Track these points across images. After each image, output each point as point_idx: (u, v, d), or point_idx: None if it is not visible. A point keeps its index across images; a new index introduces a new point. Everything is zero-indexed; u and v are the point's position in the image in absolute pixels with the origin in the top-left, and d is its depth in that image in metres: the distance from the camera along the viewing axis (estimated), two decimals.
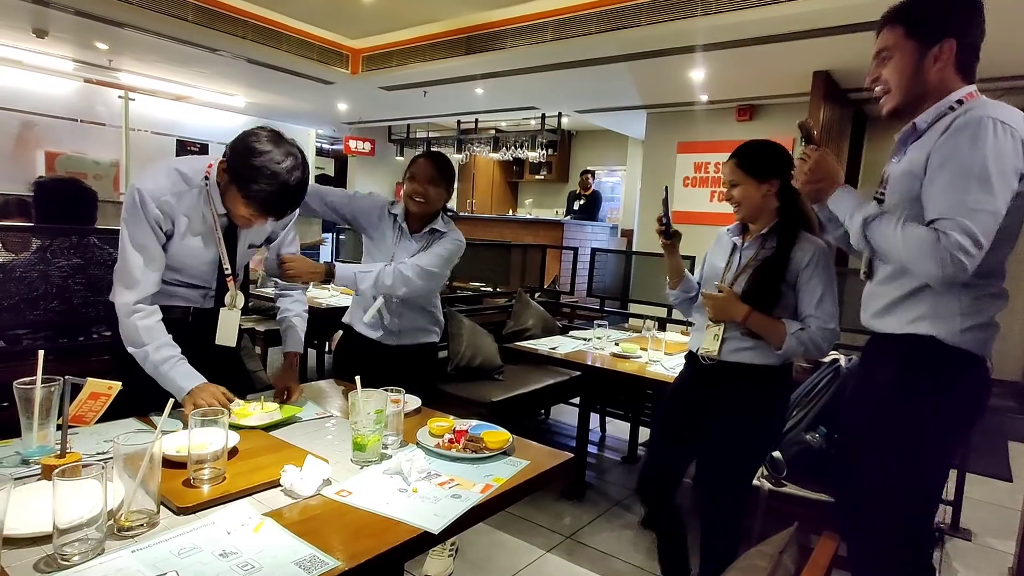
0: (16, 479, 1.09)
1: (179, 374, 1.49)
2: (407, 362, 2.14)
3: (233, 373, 1.73)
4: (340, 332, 2.28)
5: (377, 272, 1.93)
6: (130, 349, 1.50)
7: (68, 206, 2.11)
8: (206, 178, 1.57)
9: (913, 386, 1.39)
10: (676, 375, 2.44)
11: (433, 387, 2.45)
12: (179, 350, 1.53)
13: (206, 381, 1.51)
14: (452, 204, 8.95)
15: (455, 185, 2.24)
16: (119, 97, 7.17)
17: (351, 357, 2.17)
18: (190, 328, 1.64)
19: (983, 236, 1.23)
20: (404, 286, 1.96)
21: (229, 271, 1.66)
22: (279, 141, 1.49)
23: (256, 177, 1.44)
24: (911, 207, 1.36)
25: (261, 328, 4.17)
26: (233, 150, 1.49)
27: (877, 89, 1.46)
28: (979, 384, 1.40)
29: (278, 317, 1.88)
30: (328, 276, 1.88)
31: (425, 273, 1.99)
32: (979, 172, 1.24)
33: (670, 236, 1.95)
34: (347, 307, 2.20)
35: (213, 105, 7.83)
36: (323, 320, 3.98)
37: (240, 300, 1.69)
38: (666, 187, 2.14)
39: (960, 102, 1.34)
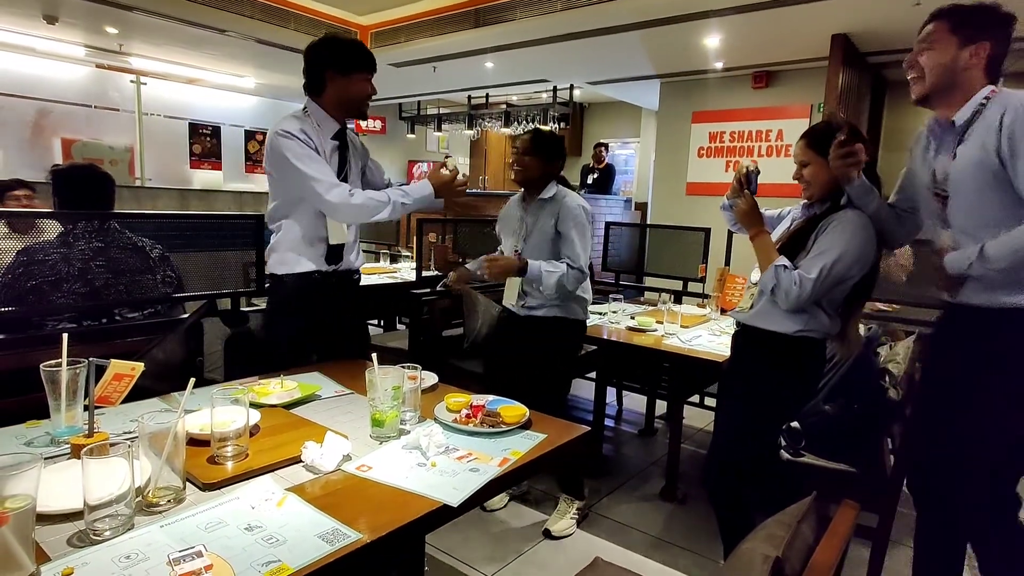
0: (47, 458, 1.13)
1: (415, 192, 1.93)
2: (538, 332, 2.34)
3: (356, 334, 2.15)
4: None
5: (559, 275, 2.22)
6: (385, 212, 1.88)
7: (86, 191, 2.15)
8: (305, 110, 1.95)
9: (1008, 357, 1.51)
10: (695, 347, 2.44)
11: (567, 361, 2.51)
12: (398, 191, 1.93)
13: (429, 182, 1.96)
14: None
15: (562, 158, 2.40)
16: (131, 82, 7.19)
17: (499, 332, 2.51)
18: (322, 289, 1.98)
19: None
20: (579, 283, 2.28)
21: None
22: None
23: (340, 44, 1.93)
24: (983, 197, 1.46)
25: None
26: (334, 57, 1.90)
27: (911, 74, 1.59)
28: None
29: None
30: (521, 271, 2.22)
31: (584, 266, 2.27)
32: None
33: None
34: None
35: (224, 87, 7.83)
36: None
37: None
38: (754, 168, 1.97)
39: (987, 98, 1.49)
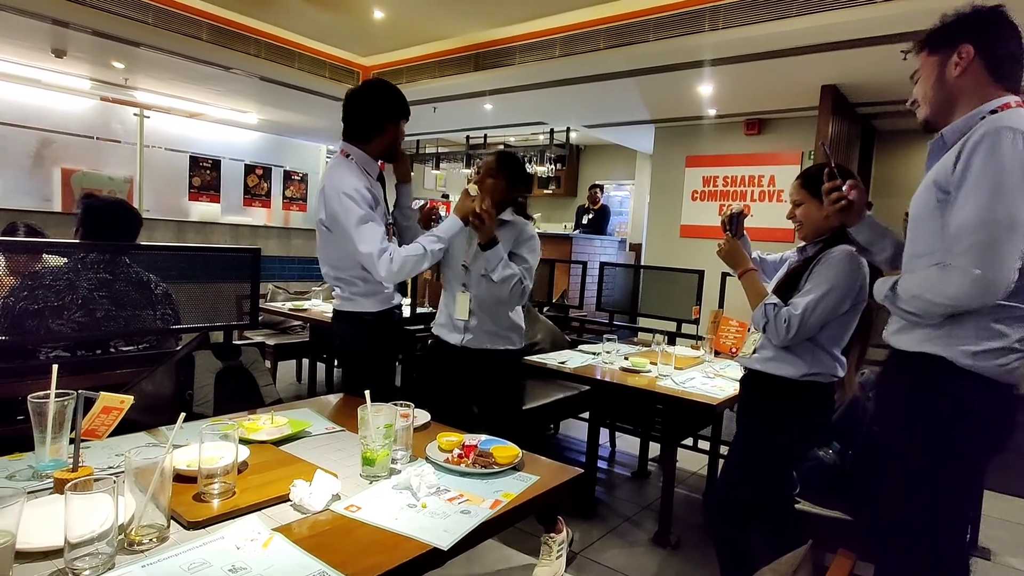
0: (29, 493, 1.10)
1: (444, 231, 2.01)
2: (486, 367, 2.25)
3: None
4: (429, 341, 2.43)
5: (516, 275, 2.12)
6: (426, 263, 1.97)
7: (114, 226, 2.15)
8: (348, 156, 2.02)
9: (921, 406, 1.36)
10: (689, 389, 2.43)
11: (515, 397, 2.46)
12: (425, 236, 2.01)
13: (456, 217, 2.03)
14: None
15: (523, 182, 2.33)
16: (134, 115, 7.29)
17: (436, 363, 2.36)
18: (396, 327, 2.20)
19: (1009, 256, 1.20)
20: (522, 298, 2.18)
21: (391, 220, 2.16)
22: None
23: (395, 95, 2.04)
24: (927, 221, 1.36)
25: (271, 342, 4.19)
26: (393, 107, 2.04)
27: (914, 106, 1.51)
28: (996, 411, 1.33)
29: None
30: (491, 242, 2.08)
31: (530, 288, 2.21)
32: (993, 185, 1.21)
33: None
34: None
35: (226, 122, 7.94)
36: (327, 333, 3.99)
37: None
38: (740, 211, 2.02)
39: (994, 111, 1.32)
